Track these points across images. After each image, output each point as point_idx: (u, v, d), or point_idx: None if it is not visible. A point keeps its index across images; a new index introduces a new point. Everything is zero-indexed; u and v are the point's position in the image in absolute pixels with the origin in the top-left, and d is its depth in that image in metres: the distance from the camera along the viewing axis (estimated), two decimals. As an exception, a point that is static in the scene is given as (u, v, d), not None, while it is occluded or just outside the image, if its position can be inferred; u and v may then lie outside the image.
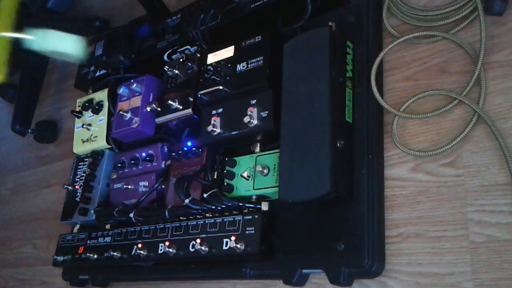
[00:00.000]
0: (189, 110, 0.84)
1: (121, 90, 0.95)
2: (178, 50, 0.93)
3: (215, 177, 0.80)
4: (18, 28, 1.37)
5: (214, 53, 0.83)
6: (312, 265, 0.67)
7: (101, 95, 1.03)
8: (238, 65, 0.78)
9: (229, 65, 0.79)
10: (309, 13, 0.75)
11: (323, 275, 0.66)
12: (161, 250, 0.79)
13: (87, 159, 1.02)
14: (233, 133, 0.76)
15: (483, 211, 0.59)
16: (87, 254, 0.90)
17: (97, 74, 1.07)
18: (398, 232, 0.65)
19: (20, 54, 1.31)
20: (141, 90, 0.94)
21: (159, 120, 0.88)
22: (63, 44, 0.28)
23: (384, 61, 0.73)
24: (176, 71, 0.89)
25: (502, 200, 0.58)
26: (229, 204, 0.73)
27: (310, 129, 0.65)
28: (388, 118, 0.70)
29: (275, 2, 0.78)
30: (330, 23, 0.69)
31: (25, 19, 1.30)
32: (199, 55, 0.87)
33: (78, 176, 1.03)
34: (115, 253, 0.85)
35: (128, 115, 0.93)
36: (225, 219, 0.73)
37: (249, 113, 0.73)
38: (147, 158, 0.90)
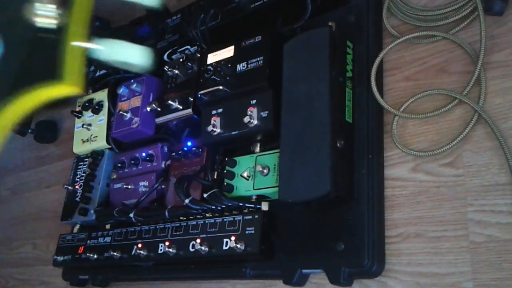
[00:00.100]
0: (189, 110, 0.84)
1: (121, 90, 0.95)
2: (178, 50, 0.93)
3: (215, 177, 0.80)
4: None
5: (214, 53, 0.83)
6: (312, 265, 0.67)
7: (101, 95, 1.04)
8: (238, 65, 0.78)
9: (229, 65, 0.79)
10: (309, 13, 0.75)
11: (323, 275, 0.66)
12: (161, 250, 0.79)
13: (87, 159, 1.02)
14: (233, 133, 0.76)
15: (483, 211, 0.59)
16: (87, 254, 0.90)
17: (97, 74, 1.07)
18: (398, 232, 0.65)
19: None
20: (141, 90, 0.94)
21: (159, 120, 0.88)
22: (130, 54, 0.28)
23: (384, 61, 0.73)
24: (176, 71, 0.89)
25: (502, 200, 0.58)
26: (229, 204, 0.73)
27: (310, 129, 0.65)
28: (388, 118, 0.70)
29: (275, 2, 0.78)
30: (330, 23, 0.69)
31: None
32: (199, 55, 0.87)
33: (78, 176, 1.03)
34: (115, 253, 0.85)
35: (128, 115, 0.93)
36: (225, 219, 0.73)
37: (249, 113, 0.73)
38: (147, 158, 0.90)
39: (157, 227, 0.82)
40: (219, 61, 0.81)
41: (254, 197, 0.74)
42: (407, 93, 0.69)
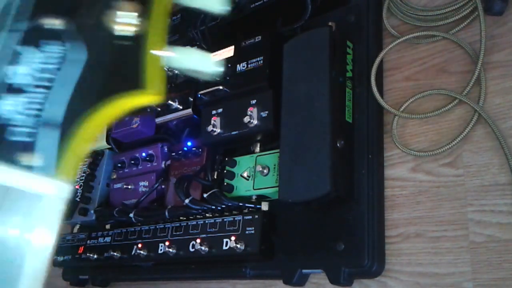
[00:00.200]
0: (189, 110, 0.84)
1: (121, 90, 0.95)
2: (178, 50, 0.93)
3: (215, 177, 0.80)
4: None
5: (214, 53, 0.83)
6: (312, 265, 0.67)
7: (101, 95, 1.03)
8: (238, 65, 0.78)
9: (229, 65, 0.79)
10: (309, 13, 0.75)
11: (323, 275, 0.66)
12: (161, 250, 0.79)
13: (87, 159, 1.02)
14: (233, 133, 0.76)
15: (483, 211, 0.59)
16: (87, 254, 0.90)
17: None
18: (398, 232, 0.65)
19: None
20: (141, 90, 0.94)
21: (159, 120, 0.88)
22: (200, 62, 0.28)
23: (384, 61, 0.73)
24: (176, 71, 0.89)
25: (502, 200, 0.58)
26: (229, 204, 0.73)
27: (310, 129, 0.65)
28: (388, 118, 0.70)
29: (275, 2, 0.78)
30: (330, 23, 0.69)
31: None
32: (199, 55, 0.87)
33: (78, 176, 1.03)
34: (115, 253, 0.85)
35: (128, 115, 0.93)
36: (225, 219, 0.73)
37: (249, 113, 0.73)
38: (147, 158, 0.90)
39: (157, 227, 0.82)
40: (219, 61, 0.81)
41: (254, 197, 0.74)
42: (407, 93, 0.69)
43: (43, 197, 0.24)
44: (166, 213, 0.80)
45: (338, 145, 0.64)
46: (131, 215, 0.85)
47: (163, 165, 0.89)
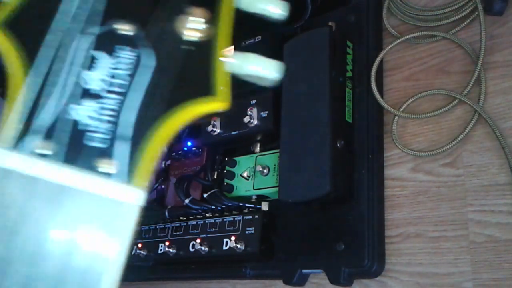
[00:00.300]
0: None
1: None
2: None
3: (215, 177, 0.80)
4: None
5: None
6: (312, 265, 0.67)
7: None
8: (238, 65, 0.78)
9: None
10: (309, 13, 0.75)
11: (323, 275, 0.66)
12: (161, 250, 0.79)
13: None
14: (233, 133, 0.76)
15: (483, 211, 0.59)
16: (87, 254, 0.90)
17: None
18: (398, 232, 0.65)
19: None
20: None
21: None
22: (262, 68, 0.28)
23: (384, 61, 0.73)
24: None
25: (502, 200, 0.58)
26: (229, 204, 0.73)
27: (310, 129, 0.65)
28: (388, 118, 0.70)
29: (275, 2, 0.78)
30: (330, 23, 0.69)
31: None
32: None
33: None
34: (115, 253, 0.85)
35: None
36: (225, 219, 0.73)
37: (249, 113, 0.73)
38: (147, 158, 0.90)
39: (157, 227, 0.82)
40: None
41: (254, 197, 0.74)
42: (407, 93, 0.69)
43: (122, 204, 0.25)
44: (166, 213, 0.80)
45: (338, 145, 0.64)
46: (131, 215, 0.85)
47: (163, 165, 0.89)
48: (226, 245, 0.71)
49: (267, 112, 0.73)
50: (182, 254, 0.77)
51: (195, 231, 0.76)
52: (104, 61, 0.27)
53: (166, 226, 0.81)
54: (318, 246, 0.67)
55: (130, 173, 0.25)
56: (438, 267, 0.60)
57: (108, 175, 0.25)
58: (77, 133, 0.25)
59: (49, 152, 0.25)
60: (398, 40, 0.70)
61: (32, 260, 0.23)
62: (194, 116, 0.28)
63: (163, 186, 0.88)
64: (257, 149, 0.76)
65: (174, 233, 0.79)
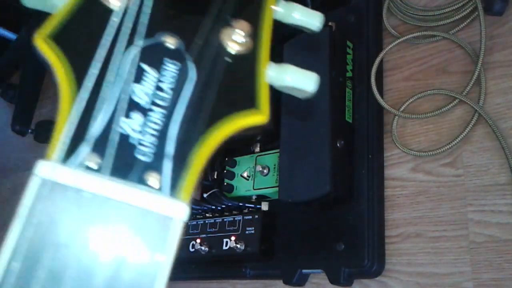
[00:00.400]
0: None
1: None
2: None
3: (215, 177, 0.80)
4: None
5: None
6: (312, 265, 0.67)
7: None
8: (238, 65, 0.78)
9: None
10: (309, 13, 0.75)
11: (323, 275, 0.66)
12: (161, 250, 0.79)
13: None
14: (233, 133, 0.75)
15: (483, 211, 0.59)
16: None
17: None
18: (398, 232, 0.65)
19: (20, 54, 1.32)
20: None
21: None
22: (300, 80, 0.27)
23: (384, 61, 0.73)
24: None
25: (502, 200, 0.58)
26: (229, 204, 0.73)
27: (310, 129, 0.65)
28: (388, 118, 0.70)
29: (275, 2, 0.78)
30: (330, 23, 0.69)
31: (25, 19, 1.30)
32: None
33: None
34: (115, 253, 0.85)
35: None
36: (225, 219, 0.73)
37: (249, 113, 0.73)
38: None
39: (157, 227, 0.82)
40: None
41: (254, 197, 0.74)
42: (407, 93, 0.69)
43: (167, 219, 0.24)
44: (166, 213, 0.80)
45: (338, 145, 0.64)
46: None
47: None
48: (226, 245, 0.71)
49: (267, 112, 0.73)
50: (182, 254, 0.77)
51: (195, 231, 0.76)
52: (150, 74, 0.27)
53: (166, 226, 0.81)
54: (318, 246, 0.67)
55: (175, 187, 0.25)
56: (438, 267, 0.60)
57: (153, 189, 0.25)
58: (124, 146, 0.25)
59: (97, 165, 0.25)
60: (398, 40, 0.70)
61: (81, 275, 0.23)
62: (236, 130, 0.28)
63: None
64: (257, 149, 0.76)
65: (174, 233, 0.79)
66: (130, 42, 0.28)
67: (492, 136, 0.60)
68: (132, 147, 0.26)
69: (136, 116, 0.26)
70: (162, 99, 0.27)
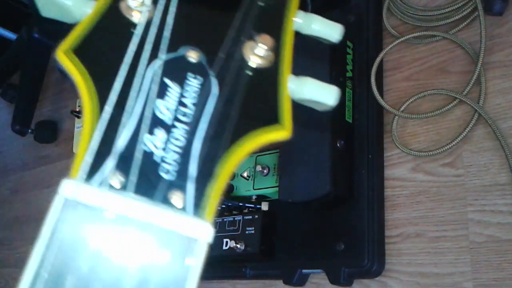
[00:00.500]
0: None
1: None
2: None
3: (215, 177, 0.80)
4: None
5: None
6: (312, 265, 0.67)
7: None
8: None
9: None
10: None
11: (323, 275, 0.66)
12: (161, 250, 0.79)
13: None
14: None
15: (483, 211, 0.59)
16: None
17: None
18: (398, 232, 0.65)
19: (20, 54, 1.32)
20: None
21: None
22: (320, 93, 0.27)
23: (384, 61, 0.73)
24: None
25: (502, 200, 0.58)
26: (229, 204, 0.73)
27: (310, 129, 0.65)
28: (388, 118, 0.70)
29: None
30: (330, 23, 0.69)
31: (25, 19, 1.30)
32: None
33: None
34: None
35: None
36: (225, 219, 0.73)
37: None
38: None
39: (157, 227, 0.82)
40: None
41: (254, 197, 0.74)
42: (407, 93, 0.69)
43: (192, 240, 0.24)
44: (166, 213, 0.80)
45: (338, 145, 0.64)
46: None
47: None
48: (226, 245, 0.71)
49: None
50: (182, 254, 0.76)
51: (195, 231, 0.76)
52: (173, 89, 0.27)
53: (166, 226, 0.81)
54: (318, 246, 0.67)
55: (198, 206, 0.25)
56: (438, 267, 0.60)
57: (177, 208, 0.24)
58: (148, 164, 0.25)
59: (120, 184, 0.24)
60: (398, 40, 0.70)
61: None
62: (259, 145, 0.27)
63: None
64: (257, 149, 0.76)
65: (174, 233, 0.79)
66: (152, 56, 0.27)
67: (492, 136, 0.60)
68: (156, 165, 0.25)
69: (160, 133, 0.26)
70: (185, 114, 0.26)
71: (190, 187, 0.25)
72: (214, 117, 0.27)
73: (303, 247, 0.68)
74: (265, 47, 0.29)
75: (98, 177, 0.24)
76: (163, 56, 0.27)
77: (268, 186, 0.71)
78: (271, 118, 0.28)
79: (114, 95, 0.26)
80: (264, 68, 0.29)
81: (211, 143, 0.26)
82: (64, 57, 0.26)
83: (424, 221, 0.63)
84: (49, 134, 1.30)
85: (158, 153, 0.25)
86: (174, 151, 0.25)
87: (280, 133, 0.28)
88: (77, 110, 1.06)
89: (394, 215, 0.65)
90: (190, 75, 0.27)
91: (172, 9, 0.29)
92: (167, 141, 0.25)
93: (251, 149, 0.27)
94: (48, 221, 0.23)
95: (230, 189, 0.75)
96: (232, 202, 0.73)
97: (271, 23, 0.31)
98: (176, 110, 0.26)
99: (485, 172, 0.60)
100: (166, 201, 0.24)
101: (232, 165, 0.26)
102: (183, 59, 0.28)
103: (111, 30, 0.28)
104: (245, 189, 0.74)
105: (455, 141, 0.62)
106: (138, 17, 0.28)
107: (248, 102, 0.28)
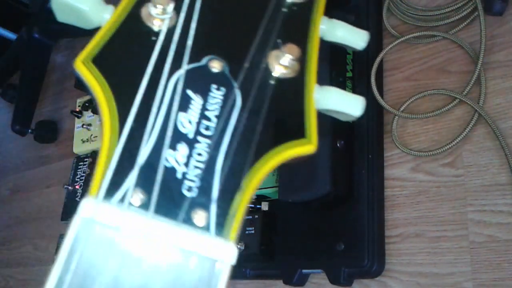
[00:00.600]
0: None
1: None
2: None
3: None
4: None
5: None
6: (312, 265, 0.67)
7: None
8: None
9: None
10: (309, 13, 0.75)
11: (323, 275, 0.66)
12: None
13: (87, 159, 1.03)
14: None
15: (483, 211, 0.59)
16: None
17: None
18: (398, 232, 0.65)
19: (20, 54, 1.32)
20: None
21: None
22: (345, 104, 0.26)
23: (384, 61, 0.73)
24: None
25: (502, 200, 0.58)
26: (229, 204, 0.73)
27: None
28: (388, 118, 0.70)
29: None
30: (330, 23, 0.69)
31: (25, 19, 1.30)
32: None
33: (78, 176, 1.03)
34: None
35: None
36: (225, 219, 0.73)
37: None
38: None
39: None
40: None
41: (254, 197, 0.74)
42: (407, 93, 0.69)
43: (216, 262, 0.23)
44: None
45: (338, 145, 0.64)
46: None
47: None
48: (226, 245, 0.71)
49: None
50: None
51: (195, 231, 0.76)
52: (195, 101, 0.25)
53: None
54: (318, 246, 0.67)
55: (222, 225, 0.23)
56: (438, 267, 0.60)
57: (199, 228, 0.23)
58: (169, 181, 0.23)
59: (141, 202, 0.23)
60: (398, 40, 0.70)
61: None
62: (284, 161, 0.26)
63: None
64: (257, 149, 0.76)
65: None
66: (174, 65, 0.26)
67: (492, 136, 0.60)
68: (177, 182, 0.23)
69: (182, 148, 0.24)
70: (208, 128, 0.25)
71: (213, 205, 0.24)
72: (238, 130, 0.25)
73: (303, 247, 0.68)
74: (291, 57, 0.28)
75: (118, 195, 0.23)
76: (185, 66, 0.26)
77: (268, 186, 0.71)
78: (298, 133, 0.27)
79: (135, 108, 0.25)
80: (288, 78, 0.28)
81: (235, 159, 0.25)
82: (83, 67, 0.25)
83: (424, 221, 0.63)
84: (49, 134, 1.30)
85: (180, 169, 0.24)
86: (197, 167, 0.24)
87: (306, 148, 0.27)
88: (77, 110, 1.07)
89: (394, 215, 0.65)
90: (213, 86, 0.26)
91: (195, 17, 0.28)
92: (190, 156, 0.24)
93: (276, 164, 0.25)
94: (66, 242, 0.22)
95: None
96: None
97: (297, 31, 0.29)
98: (199, 123, 0.25)
99: (485, 172, 0.60)
100: (188, 220, 0.23)
101: (256, 182, 0.25)
102: (206, 69, 0.26)
103: (131, 38, 0.27)
104: (245, 189, 0.74)
105: (455, 141, 0.62)
106: (159, 25, 0.27)
107: (273, 114, 0.26)
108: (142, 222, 0.22)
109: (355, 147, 0.68)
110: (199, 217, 0.23)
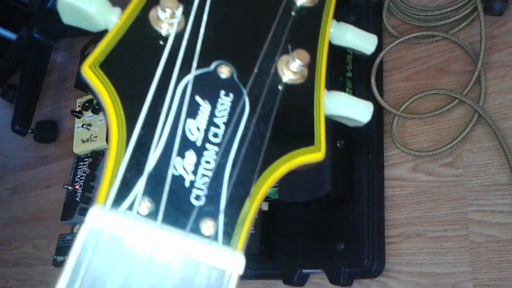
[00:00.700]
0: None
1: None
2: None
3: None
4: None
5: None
6: (312, 265, 0.67)
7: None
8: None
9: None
10: (309, 13, 0.75)
11: (323, 275, 0.66)
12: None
13: (87, 159, 1.03)
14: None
15: (483, 211, 0.59)
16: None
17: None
18: (398, 232, 0.65)
19: (20, 54, 1.32)
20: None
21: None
22: (354, 110, 0.26)
23: (384, 61, 0.73)
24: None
25: (502, 200, 0.58)
26: (229, 204, 0.73)
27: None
28: (388, 118, 0.70)
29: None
30: (330, 23, 0.69)
31: (25, 19, 1.30)
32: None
33: (78, 176, 1.03)
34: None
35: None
36: (225, 219, 0.73)
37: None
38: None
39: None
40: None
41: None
42: (407, 93, 0.69)
43: (224, 272, 0.23)
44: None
45: (338, 145, 0.64)
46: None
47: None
48: (226, 245, 0.71)
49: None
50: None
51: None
52: (203, 107, 0.25)
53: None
54: (318, 246, 0.67)
55: (230, 235, 0.23)
56: (438, 267, 0.60)
57: (207, 237, 0.23)
58: (177, 189, 0.23)
59: (148, 211, 0.22)
60: (398, 40, 0.70)
61: None
62: (292, 168, 0.26)
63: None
64: (257, 149, 0.76)
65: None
66: (183, 71, 0.25)
67: (492, 136, 0.60)
68: (185, 190, 0.23)
69: (190, 155, 0.24)
70: (216, 135, 0.24)
71: (221, 214, 0.23)
72: (246, 138, 0.25)
73: (303, 247, 0.68)
74: (301, 63, 0.27)
75: (125, 203, 0.22)
76: (194, 71, 0.26)
77: (268, 186, 0.71)
78: (307, 140, 0.26)
79: (143, 115, 0.24)
80: (297, 84, 0.27)
81: (244, 166, 0.24)
82: (90, 72, 0.25)
83: (424, 221, 0.63)
84: (49, 134, 1.30)
85: (188, 178, 0.23)
86: (205, 175, 0.24)
87: (315, 156, 0.26)
88: (77, 110, 1.07)
89: (394, 215, 0.66)
90: (222, 92, 0.26)
91: (204, 21, 0.27)
92: (198, 164, 0.24)
93: (285, 172, 0.25)
94: (73, 251, 0.21)
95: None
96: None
97: (306, 36, 0.29)
98: (207, 130, 0.24)
99: (485, 172, 0.60)
100: (196, 229, 0.23)
101: (265, 189, 0.24)
102: (214, 74, 0.26)
103: (139, 43, 0.26)
104: (245, 189, 0.74)
105: (455, 141, 0.62)
106: (167, 29, 0.26)
107: (281, 121, 0.26)
108: (149, 231, 0.22)
109: (355, 147, 0.68)
110: (207, 226, 0.23)
